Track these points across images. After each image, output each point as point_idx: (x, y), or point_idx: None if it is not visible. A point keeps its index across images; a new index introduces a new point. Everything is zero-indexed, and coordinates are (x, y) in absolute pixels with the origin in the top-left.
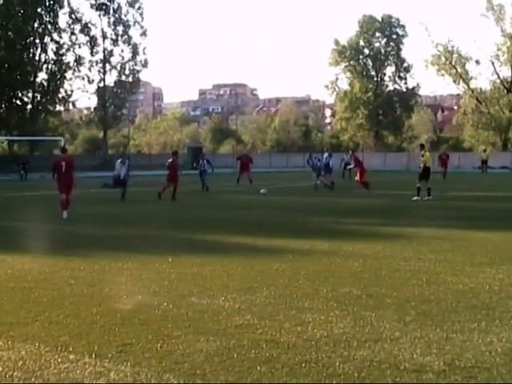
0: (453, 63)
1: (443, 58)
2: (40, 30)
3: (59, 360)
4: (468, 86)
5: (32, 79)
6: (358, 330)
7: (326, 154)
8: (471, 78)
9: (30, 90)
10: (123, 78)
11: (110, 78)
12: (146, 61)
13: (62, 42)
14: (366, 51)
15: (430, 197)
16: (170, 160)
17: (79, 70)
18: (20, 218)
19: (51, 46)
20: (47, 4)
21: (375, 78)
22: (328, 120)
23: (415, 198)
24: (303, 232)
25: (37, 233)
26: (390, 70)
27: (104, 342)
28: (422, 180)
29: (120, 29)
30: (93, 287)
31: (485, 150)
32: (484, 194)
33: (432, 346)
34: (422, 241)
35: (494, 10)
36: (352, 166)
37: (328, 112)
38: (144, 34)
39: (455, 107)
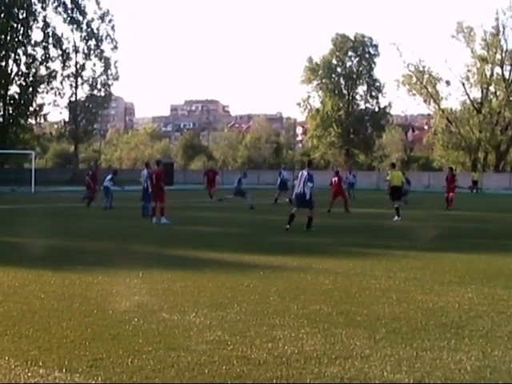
0: (424, 83)
1: (414, 78)
2: (13, 42)
3: (29, 374)
4: (439, 106)
5: (3, 92)
6: (329, 347)
7: (284, 172)
8: (442, 98)
9: (1, 103)
10: (95, 92)
11: (82, 92)
12: (117, 73)
13: (34, 56)
14: (339, 69)
15: (398, 218)
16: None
17: (51, 84)
18: None
19: (24, 59)
20: (20, 17)
21: (347, 97)
22: (299, 138)
23: (396, 218)
24: (274, 249)
25: (6, 246)
26: (361, 89)
27: (74, 356)
28: (396, 200)
29: (92, 43)
30: (63, 301)
31: (475, 171)
32: (456, 213)
33: (402, 363)
34: (392, 259)
35: (464, 32)
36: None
37: (299, 130)
38: (115, 47)
39: (426, 127)
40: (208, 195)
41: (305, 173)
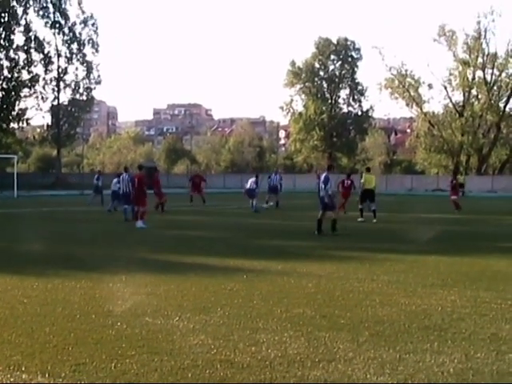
0: (406, 87)
1: (396, 82)
2: None
3: (12, 380)
4: (421, 109)
5: None
6: (312, 350)
7: (275, 176)
8: (424, 101)
9: None
10: (77, 96)
11: (64, 97)
12: (99, 77)
13: (17, 60)
14: (321, 73)
15: (362, 219)
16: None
17: (34, 88)
18: None
19: (5, 64)
20: (2, 21)
21: (330, 100)
22: (282, 141)
23: (360, 219)
24: (257, 252)
25: None
26: (344, 93)
27: (57, 361)
28: (364, 202)
29: (74, 47)
30: (46, 306)
31: (461, 174)
32: (439, 216)
33: (385, 366)
34: (374, 262)
35: (446, 35)
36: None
37: (282, 133)
38: (97, 51)
39: (408, 130)
40: (189, 199)
41: (323, 176)
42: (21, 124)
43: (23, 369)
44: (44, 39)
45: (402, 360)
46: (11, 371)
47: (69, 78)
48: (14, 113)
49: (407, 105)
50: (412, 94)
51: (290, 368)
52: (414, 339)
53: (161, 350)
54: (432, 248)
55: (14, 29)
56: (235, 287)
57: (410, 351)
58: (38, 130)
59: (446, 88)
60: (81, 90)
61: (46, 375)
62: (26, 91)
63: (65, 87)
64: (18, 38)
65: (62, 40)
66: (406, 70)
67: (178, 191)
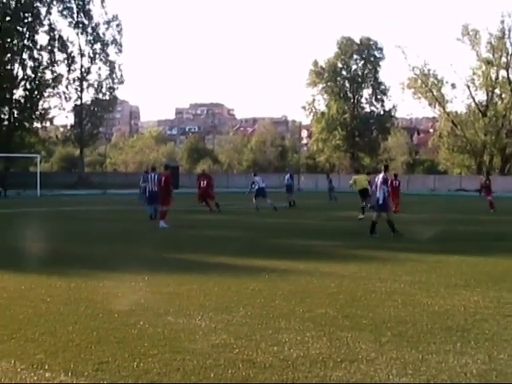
0: (429, 86)
1: (419, 82)
2: (19, 46)
3: (35, 378)
4: (444, 109)
5: (9, 96)
6: (334, 350)
7: (287, 176)
8: (447, 101)
9: (7, 107)
10: (100, 95)
11: (87, 96)
12: (122, 76)
13: (40, 60)
14: (344, 73)
15: (363, 216)
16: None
17: (57, 88)
18: None
19: (29, 63)
20: (26, 21)
21: (352, 100)
22: (304, 141)
23: (360, 216)
24: (280, 252)
25: (13, 250)
26: (366, 92)
27: (80, 360)
28: (364, 200)
29: (97, 47)
30: (69, 305)
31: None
32: (462, 216)
33: (408, 366)
34: (396, 262)
35: (470, 34)
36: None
37: (304, 133)
38: (120, 51)
39: (431, 130)
40: (200, 201)
41: (381, 177)
42: (44, 123)
43: (46, 367)
44: (67, 39)
45: (424, 361)
46: (34, 369)
47: (92, 77)
48: (37, 112)
49: (430, 104)
50: (435, 93)
51: (312, 368)
52: (436, 340)
53: (183, 349)
54: (455, 248)
55: (38, 29)
56: (257, 287)
57: (433, 352)
58: (61, 129)
59: (469, 87)
60: (104, 90)
61: (69, 374)
62: (49, 91)
63: (88, 87)
64: (42, 38)
65: (86, 40)
66: (429, 70)
67: None
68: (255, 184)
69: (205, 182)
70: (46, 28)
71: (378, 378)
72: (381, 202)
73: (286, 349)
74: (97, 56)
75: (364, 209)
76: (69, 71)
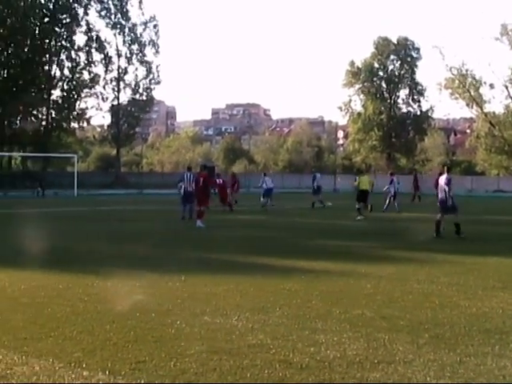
0: (466, 87)
1: (457, 82)
2: (57, 47)
3: (73, 376)
4: (481, 109)
5: (47, 96)
6: (371, 351)
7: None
8: (485, 101)
9: (45, 107)
10: (137, 96)
11: (124, 96)
12: (158, 77)
13: (77, 60)
14: (381, 73)
15: (361, 217)
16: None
17: (94, 88)
18: (37, 235)
19: (67, 64)
20: (64, 22)
21: (389, 100)
22: (341, 141)
23: (359, 217)
24: (316, 252)
25: (52, 249)
26: (403, 93)
27: (117, 359)
28: (360, 202)
29: (135, 47)
30: (106, 304)
31: None
32: (500, 217)
33: (445, 369)
34: (434, 264)
35: (509, 34)
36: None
37: (341, 133)
38: (157, 52)
39: (468, 131)
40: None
41: (445, 178)
42: (81, 124)
43: (84, 365)
44: (105, 40)
45: (462, 363)
46: (72, 368)
47: (129, 78)
48: (74, 113)
49: (467, 105)
50: (472, 94)
51: (349, 369)
52: (474, 342)
53: (220, 349)
54: (493, 250)
55: (75, 30)
56: (294, 287)
57: (471, 354)
58: (98, 129)
59: (507, 88)
60: (140, 90)
61: (107, 372)
62: (86, 91)
63: (124, 87)
64: (80, 39)
65: (123, 40)
66: (467, 70)
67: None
68: (264, 183)
69: (221, 180)
70: (84, 28)
71: (416, 379)
72: (449, 203)
73: (323, 350)
74: (134, 56)
75: (360, 210)
76: (106, 71)
